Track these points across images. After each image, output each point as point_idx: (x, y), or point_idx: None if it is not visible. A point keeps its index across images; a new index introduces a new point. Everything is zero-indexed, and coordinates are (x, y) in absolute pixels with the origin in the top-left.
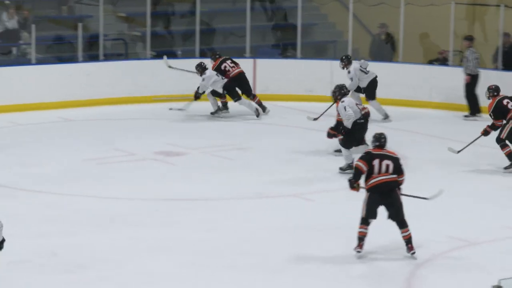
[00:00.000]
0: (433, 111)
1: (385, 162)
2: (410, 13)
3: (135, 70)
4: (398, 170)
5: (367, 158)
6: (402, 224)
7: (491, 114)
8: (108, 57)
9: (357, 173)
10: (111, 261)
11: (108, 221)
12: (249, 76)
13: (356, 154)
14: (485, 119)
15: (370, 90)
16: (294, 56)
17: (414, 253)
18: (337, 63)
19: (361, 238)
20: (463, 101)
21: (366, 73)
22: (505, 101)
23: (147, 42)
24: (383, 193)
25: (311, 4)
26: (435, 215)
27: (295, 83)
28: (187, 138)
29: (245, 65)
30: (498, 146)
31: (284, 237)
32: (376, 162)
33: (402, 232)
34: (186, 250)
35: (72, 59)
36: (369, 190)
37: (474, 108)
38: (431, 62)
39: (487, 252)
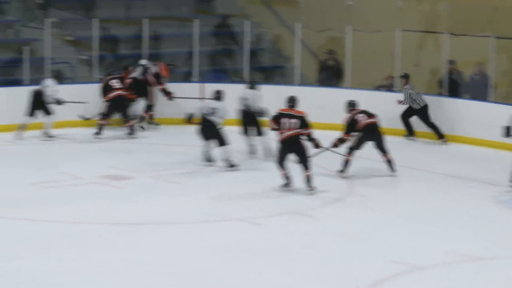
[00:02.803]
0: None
1: (293, 120)
2: (357, 39)
3: (81, 94)
4: (304, 125)
5: (276, 117)
6: (306, 166)
7: (345, 127)
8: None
9: (271, 129)
10: (52, 285)
11: (51, 245)
12: (196, 100)
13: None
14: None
15: None
16: (241, 81)
17: (311, 189)
18: (283, 88)
19: (286, 177)
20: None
21: None
22: (358, 116)
23: (96, 66)
24: (290, 143)
25: (259, 29)
26: (380, 239)
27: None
28: (133, 161)
29: (192, 89)
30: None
31: (229, 261)
32: (284, 120)
33: (305, 172)
34: (130, 272)
35: (18, 83)
36: (280, 142)
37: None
38: (377, 88)
39: (430, 277)
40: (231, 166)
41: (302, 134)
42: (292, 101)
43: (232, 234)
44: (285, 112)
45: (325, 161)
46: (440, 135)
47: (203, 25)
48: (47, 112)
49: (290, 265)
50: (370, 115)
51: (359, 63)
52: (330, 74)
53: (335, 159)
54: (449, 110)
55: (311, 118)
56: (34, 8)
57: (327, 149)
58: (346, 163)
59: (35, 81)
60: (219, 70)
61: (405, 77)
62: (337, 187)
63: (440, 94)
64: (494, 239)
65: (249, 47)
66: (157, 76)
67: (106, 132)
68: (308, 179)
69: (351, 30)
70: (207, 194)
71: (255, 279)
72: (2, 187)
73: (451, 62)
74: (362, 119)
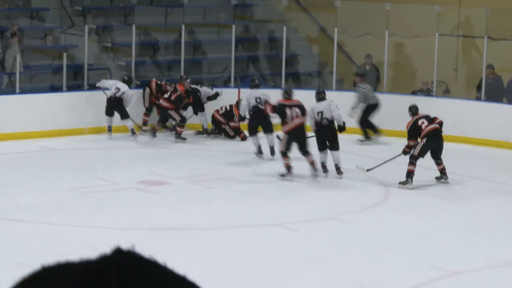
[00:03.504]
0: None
1: (295, 109)
2: (395, 44)
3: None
4: (304, 113)
5: (279, 108)
6: (305, 153)
7: (407, 133)
8: (93, 86)
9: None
10: None
11: (91, 250)
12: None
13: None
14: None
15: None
16: (278, 86)
17: (316, 172)
18: None
19: (289, 167)
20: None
21: None
22: (420, 121)
23: (131, 72)
24: (299, 132)
25: (296, 35)
26: (419, 245)
27: None
28: (169, 167)
29: (230, 94)
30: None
31: (264, 267)
32: (288, 111)
33: (307, 159)
34: None
35: (57, 89)
36: (288, 132)
37: (367, 133)
38: (414, 93)
39: (468, 283)
40: (274, 152)
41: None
42: (290, 92)
43: (271, 240)
44: (288, 103)
45: (367, 168)
46: (366, 136)
47: (241, 31)
48: (125, 116)
49: (327, 271)
50: (431, 120)
51: (396, 68)
52: (367, 79)
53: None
54: (486, 115)
55: (348, 123)
56: (73, 15)
57: (367, 170)
58: (409, 173)
59: (73, 87)
60: (257, 76)
61: (360, 75)
62: (374, 192)
63: (478, 99)
64: None
65: (286, 52)
66: (227, 114)
67: (144, 138)
68: (312, 164)
69: (388, 35)
70: (241, 199)
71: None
72: (39, 192)
73: (490, 66)
74: (424, 125)
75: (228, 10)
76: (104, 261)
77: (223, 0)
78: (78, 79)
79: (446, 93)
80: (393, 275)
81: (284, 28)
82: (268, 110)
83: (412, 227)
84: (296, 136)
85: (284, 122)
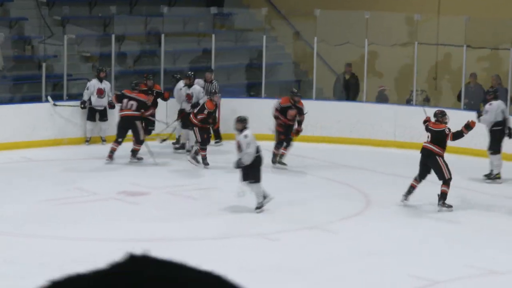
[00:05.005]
0: (398, 151)
1: (131, 102)
2: (375, 52)
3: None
4: (143, 107)
5: (120, 97)
6: (136, 141)
7: None
8: (72, 97)
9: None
10: None
11: (70, 262)
12: None
13: None
14: None
15: None
16: (258, 96)
17: (137, 160)
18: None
19: (113, 151)
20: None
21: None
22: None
23: (111, 82)
24: (125, 122)
25: (276, 44)
26: (399, 254)
27: (259, 122)
28: (149, 177)
29: None
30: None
31: (247, 278)
32: (125, 101)
33: (134, 145)
34: None
35: (36, 99)
36: (120, 118)
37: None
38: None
39: None
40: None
41: (138, 115)
42: (134, 84)
43: (253, 251)
44: (129, 94)
45: (347, 177)
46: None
47: (221, 40)
48: (88, 117)
49: (309, 281)
50: (431, 133)
51: (377, 76)
52: (347, 88)
53: (354, 174)
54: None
55: (328, 132)
56: (52, 24)
57: None
58: (411, 188)
59: (53, 98)
60: (237, 85)
61: (211, 71)
62: (355, 202)
63: (459, 107)
64: None
65: (265, 61)
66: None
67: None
68: (133, 152)
69: (367, 44)
70: (221, 209)
71: None
72: (18, 203)
73: (470, 75)
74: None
75: (207, 19)
76: (119, 271)
77: (203, 9)
78: (57, 89)
79: (426, 101)
80: (375, 284)
81: (264, 37)
82: (113, 99)
83: (392, 236)
84: (124, 124)
85: (120, 109)
